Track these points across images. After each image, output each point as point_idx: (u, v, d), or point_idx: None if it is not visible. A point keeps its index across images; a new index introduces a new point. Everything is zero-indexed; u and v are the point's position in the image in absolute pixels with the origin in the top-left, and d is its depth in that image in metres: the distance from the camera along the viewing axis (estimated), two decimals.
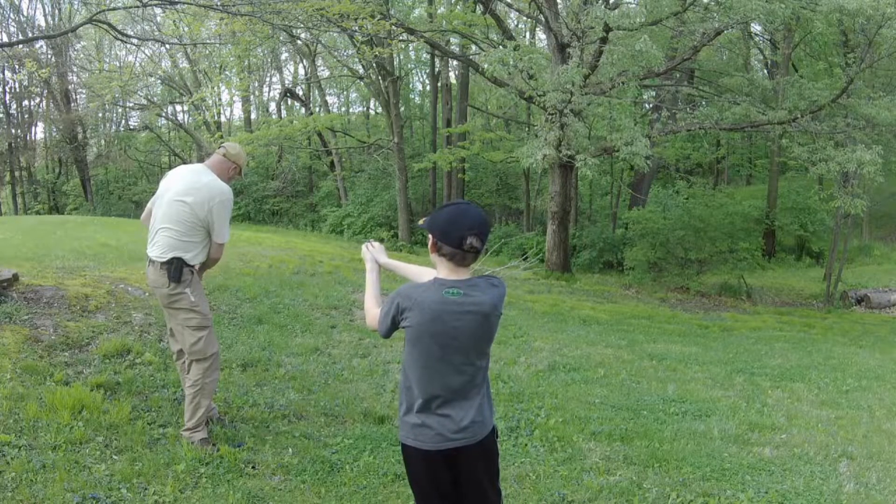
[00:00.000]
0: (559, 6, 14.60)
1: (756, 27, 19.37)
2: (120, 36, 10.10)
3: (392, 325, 2.27)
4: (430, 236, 2.28)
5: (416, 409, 2.24)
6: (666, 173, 24.77)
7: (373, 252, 2.69)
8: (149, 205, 3.95)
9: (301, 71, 31.62)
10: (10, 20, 27.37)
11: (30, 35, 25.29)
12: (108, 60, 29.58)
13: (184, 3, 9.49)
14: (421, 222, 2.35)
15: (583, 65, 12.33)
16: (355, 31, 12.29)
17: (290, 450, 3.88)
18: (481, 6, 16.98)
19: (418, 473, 2.30)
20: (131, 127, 33.99)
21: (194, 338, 3.81)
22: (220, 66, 26.54)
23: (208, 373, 3.80)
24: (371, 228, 23.39)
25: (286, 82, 32.22)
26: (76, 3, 24.08)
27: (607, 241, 19.49)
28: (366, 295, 2.48)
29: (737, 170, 29.55)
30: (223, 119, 31.96)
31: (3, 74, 28.06)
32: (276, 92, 33.61)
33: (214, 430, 4.01)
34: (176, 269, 3.74)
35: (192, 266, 3.82)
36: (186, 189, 3.75)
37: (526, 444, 4.27)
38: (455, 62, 23.25)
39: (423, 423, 2.23)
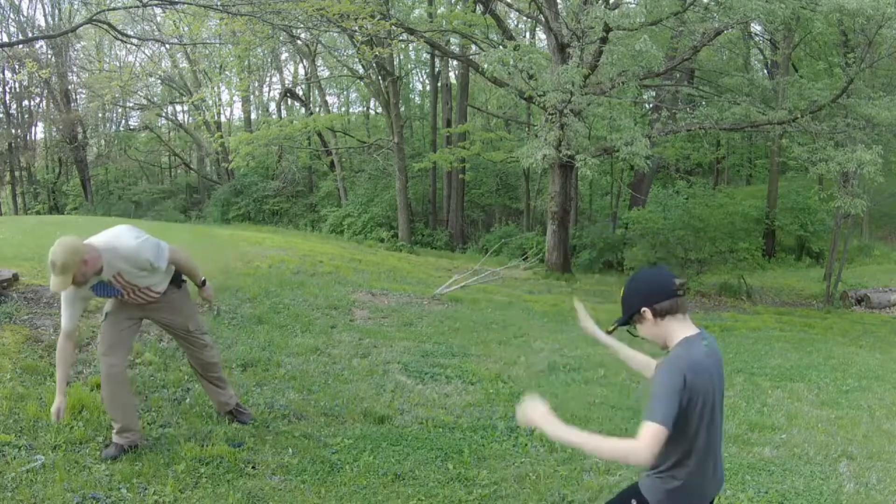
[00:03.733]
0: (559, 6, 14.61)
1: (756, 27, 19.37)
2: (120, 36, 10.11)
3: (678, 409, 1.97)
4: (643, 316, 2.12)
5: (684, 475, 2.07)
6: (666, 173, 24.77)
7: (588, 327, 2.46)
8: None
9: (301, 71, 31.63)
10: (10, 20, 27.39)
11: (30, 35, 25.30)
12: (108, 60, 29.59)
13: (184, 3, 9.49)
14: (612, 329, 2.27)
15: (583, 65, 12.33)
16: (355, 31, 12.29)
17: (290, 450, 3.88)
18: (481, 6, 16.99)
19: None
20: (131, 127, 34.00)
21: None
22: (220, 66, 26.56)
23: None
24: (371, 228, 23.39)
25: (286, 82, 32.22)
26: (76, 3, 24.09)
27: (607, 241, 19.49)
28: (597, 449, 2.01)
29: (737, 170, 29.55)
30: (223, 119, 31.98)
31: (3, 74, 28.06)
32: (276, 92, 33.63)
33: (215, 430, 4.01)
34: None
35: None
36: None
37: (526, 444, 4.27)
38: (455, 62, 23.26)
39: (689, 484, 2.08)
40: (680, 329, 2.11)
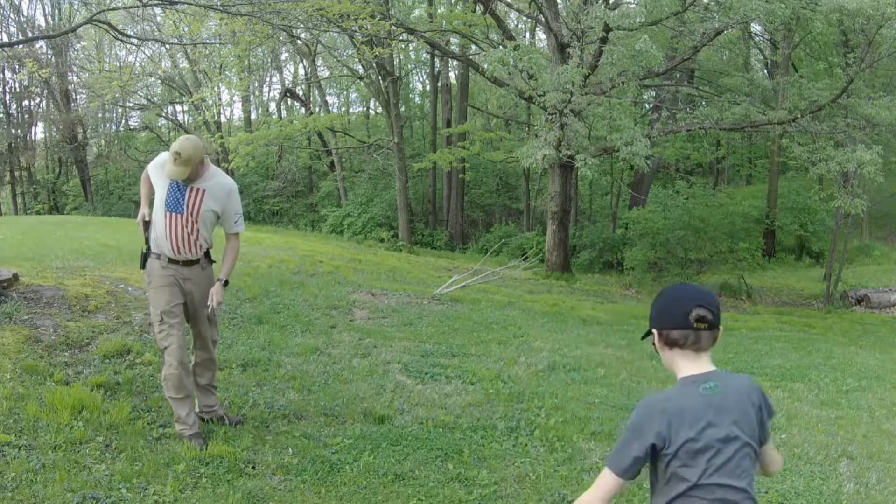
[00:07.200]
0: (559, 6, 14.62)
1: (756, 27, 19.38)
2: (120, 36, 10.10)
3: (636, 455, 1.79)
4: (654, 337, 1.93)
5: None
6: (666, 173, 24.78)
7: None
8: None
9: (301, 71, 31.65)
10: (10, 20, 27.39)
11: (30, 35, 25.29)
12: (108, 60, 29.59)
13: (184, 3, 9.49)
14: (643, 338, 2.04)
15: (583, 65, 12.34)
16: (355, 31, 12.30)
17: (290, 450, 3.88)
18: (481, 6, 16.99)
19: None
20: (131, 127, 34.00)
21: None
22: (220, 66, 26.55)
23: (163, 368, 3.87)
24: (371, 228, 23.39)
25: (286, 82, 32.24)
26: (76, 3, 24.08)
27: (607, 241, 19.51)
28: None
29: (737, 170, 29.57)
30: (223, 119, 31.97)
31: (3, 74, 28.08)
32: (276, 92, 33.66)
33: (215, 430, 4.01)
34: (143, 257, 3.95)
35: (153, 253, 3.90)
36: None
37: (526, 444, 4.27)
38: (455, 62, 23.26)
39: None
40: (686, 367, 1.86)
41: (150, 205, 3.95)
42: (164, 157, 3.83)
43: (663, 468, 1.80)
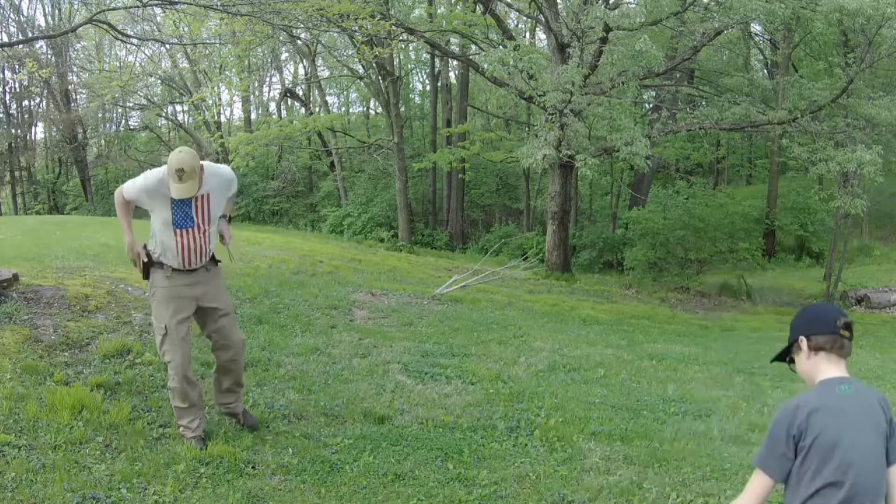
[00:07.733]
0: (559, 6, 14.62)
1: (756, 27, 19.38)
2: (120, 36, 10.11)
3: (782, 451, 1.92)
4: (799, 345, 2.09)
5: None
6: (666, 173, 24.78)
7: None
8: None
9: (301, 71, 31.63)
10: (10, 20, 27.39)
11: (30, 35, 25.29)
12: (108, 60, 29.57)
13: (184, 3, 9.50)
14: (773, 361, 2.26)
15: (583, 65, 12.34)
16: (355, 31, 12.31)
17: (290, 450, 3.88)
18: (481, 6, 16.99)
19: None
20: (131, 127, 33.97)
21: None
22: (220, 66, 26.54)
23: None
24: (371, 228, 23.38)
25: (286, 82, 32.22)
26: (76, 3, 24.08)
27: (607, 241, 19.51)
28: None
29: (737, 170, 29.57)
30: (223, 119, 31.94)
31: (3, 74, 28.07)
32: (276, 92, 33.62)
33: (215, 430, 4.01)
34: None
35: (156, 263, 3.82)
36: None
37: (526, 444, 4.27)
38: (455, 62, 23.26)
39: None
40: (827, 370, 2.03)
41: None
42: (149, 179, 3.68)
43: (798, 465, 1.92)
